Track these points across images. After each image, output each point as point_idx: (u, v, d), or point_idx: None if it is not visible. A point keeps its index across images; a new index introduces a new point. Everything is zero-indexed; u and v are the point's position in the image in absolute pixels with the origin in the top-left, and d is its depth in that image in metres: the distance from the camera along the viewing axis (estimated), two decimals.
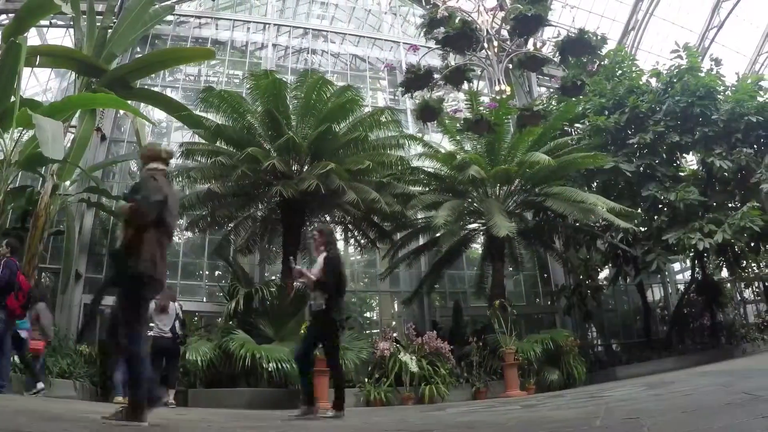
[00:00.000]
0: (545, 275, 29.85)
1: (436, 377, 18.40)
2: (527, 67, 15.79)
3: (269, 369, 16.43)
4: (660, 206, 23.94)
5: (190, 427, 8.20)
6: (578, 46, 14.07)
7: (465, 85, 17.39)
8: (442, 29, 13.68)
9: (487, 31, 14.06)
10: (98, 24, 22.32)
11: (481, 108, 18.37)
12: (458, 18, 13.63)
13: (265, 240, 23.91)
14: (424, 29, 14.21)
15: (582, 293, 25.69)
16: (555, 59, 15.32)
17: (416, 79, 14.09)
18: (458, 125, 21.01)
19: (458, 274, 28.46)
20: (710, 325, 26.67)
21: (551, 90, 30.66)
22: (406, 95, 15.93)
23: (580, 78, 14.82)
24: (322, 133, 19.85)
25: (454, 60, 14.79)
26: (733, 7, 34.95)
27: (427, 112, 14.35)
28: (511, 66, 15.55)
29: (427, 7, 16.14)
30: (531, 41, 15.56)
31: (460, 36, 13.16)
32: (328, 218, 24.12)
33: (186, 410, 14.33)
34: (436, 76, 14.65)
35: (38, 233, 18.52)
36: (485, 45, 14.18)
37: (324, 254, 9.97)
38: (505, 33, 15.86)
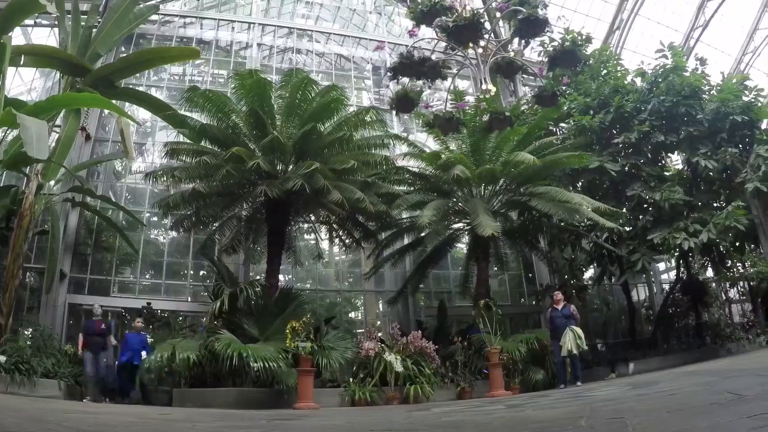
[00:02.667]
0: (530, 275, 29.92)
1: (421, 377, 18.39)
2: (503, 72, 15.73)
3: (255, 368, 16.39)
4: (645, 206, 23.98)
5: (174, 428, 8.18)
6: (568, 58, 14.05)
7: (450, 85, 17.43)
8: (443, 18, 13.54)
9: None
10: (83, 23, 22.28)
11: (440, 107, 18.39)
12: (465, 8, 13.55)
13: (250, 240, 23.92)
14: (417, 17, 14.05)
15: (567, 293, 25.74)
16: (534, 67, 15.35)
17: (409, 65, 13.99)
18: (421, 119, 21.09)
19: (443, 273, 28.50)
20: (695, 325, 26.74)
21: (535, 90, 30.73)
22: (392, 81, 15.76)
23: (558, 88, 14.85)
24: (306, 132, 19.85)
25: (432, 54, 14.72)
26: (717, 7, 35.06)
27: (405, 103, 14.25)
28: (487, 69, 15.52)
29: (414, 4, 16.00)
30: (516, 43, 15.54)
31: (469, 27, 13.06)
32: (313, 218, 24.15)
33: (171, 410, 14.31)
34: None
35: (23, 233, 18.48)
36: (471, 44, 14.14)
37: None
38: (492, 33, 15.83)
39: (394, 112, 18.66)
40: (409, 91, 14.10)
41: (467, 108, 20.63)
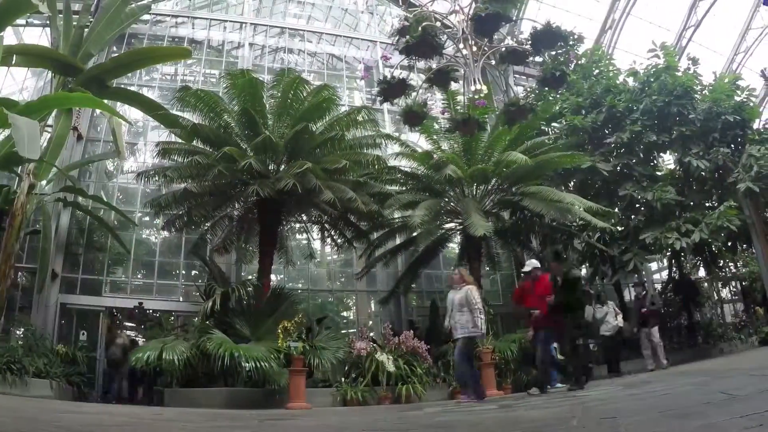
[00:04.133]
0: (522, 274, 29.94)
1: (413, 377, 18.37)
2: (510, 60, 15.77)
3: (247, 368, 16.39)
4: (637, 206, 24.02)
5: (165, 428, 8.16)
6: (548, 38, 14.06)
7: (463, 87, 17.48)
8: (400, 39, 13.63)
9: (463, 30, 14.02)
10: (74, 23, 22.26)
11: (460, 107, 18.41)
12: (422, 25, 13.59)
13: (242, 239, 23.92)
14: (396, 38, 14.17)
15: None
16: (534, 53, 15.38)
17: (390, 89, 14.05)
18: (436, 124, 21.10)
19: (435, 273, 28.47)
20: (687, 325, 26.68)
21: (528, 89, 30.73)
22: (384, 104, 15.90)
23: (560, 69, 14.83)
24: (298, 132, 19.82)
25: (436, 63, 14.75)
26: (710, 7, 35.02)
27: (412, 117, 14.32)
28: (494, 62, 15.57)
29: (404, 6, 15.99)
30: (508, 39, 15.57)
31: (421, 44, 13.11)
32: (305, 217, 24.15)
33: (162, 410, 14.29)
34: (412, 81, 14.61)
35: (14, 232, 18.44)
36: (460, 45, 14.15)
37: None
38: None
39: (385, 111, 18.73)
40: (413, 105, 14.17)
41: (458, 108, 20.67)
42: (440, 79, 14.38)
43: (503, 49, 14.75)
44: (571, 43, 16.33)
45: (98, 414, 10.74)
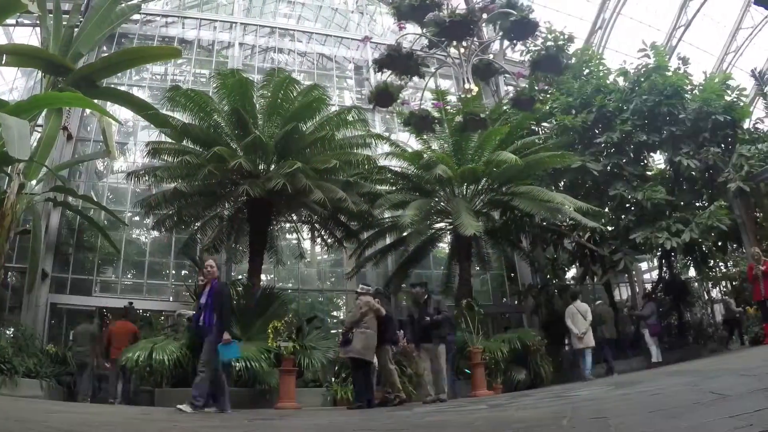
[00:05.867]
0: (512, 274, 29.87)
1: (403, 377, 18.30)
2: (480, 74, 15.72)
3: (237, 368, 16.34)
4: (627, 205, 24.01)
5: (156, 427, 8.14)
6: (552, 64, 14.04)
7: (426, 83, 17.44)
8: (438, 14, 13.42)
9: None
10: (64, 23, 22.19)
11: (418, 105, 18.41)
12: (471, 5, 13.54)
13: (232, 239, 23.91)
14: (404, 11, 13.93)
15: (549, 292, 25.76)
16: (513, 69, 15.39)
17: (398, 59, 13.91)
18: (403, 118, 21.14)
19: (425, 273, 28.33)
20: (678, 325, 26.69)
21: (517, 89, 30.76)
22: (377, 73, 15.68)
23: (534, 94, 14.89)
24: (288, 132, 19.85)
25: (414, 50, 14.65)
26: (700, 6, 35.07)
27: (384, 97, 14.20)
28: (469, 68, 15.52)
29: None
30: (497, 45, 15.59)
31: (463, 24, 12.99)
32: (295, 217, 24.15)
33: (153, 409, 14.25)
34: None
35: (4, 232, 18.36)
36: (454, 43, 14.11)
37: None
38: (477, 33, 15.81)
39: (376, 112, 18.67)
40: (389, 85, 14.05)
41: (449, 108, 20.67)
42: (410, 67, 14.28)
43: (478, 60, 14.69)
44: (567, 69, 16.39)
45: (88, 414, 10.71)
